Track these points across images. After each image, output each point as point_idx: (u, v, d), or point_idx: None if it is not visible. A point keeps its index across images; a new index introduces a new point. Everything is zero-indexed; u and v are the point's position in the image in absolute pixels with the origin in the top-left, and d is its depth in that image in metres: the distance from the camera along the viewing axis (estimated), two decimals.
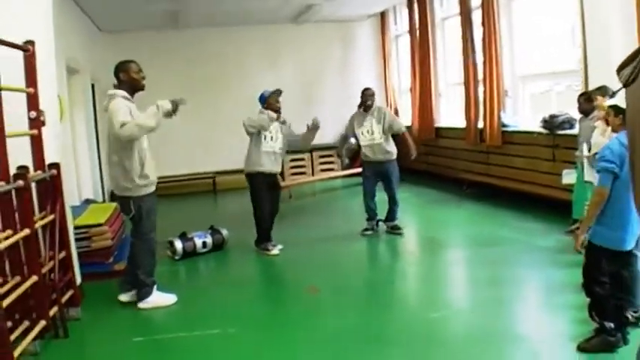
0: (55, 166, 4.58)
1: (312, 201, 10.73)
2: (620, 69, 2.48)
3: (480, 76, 8.88)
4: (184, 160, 12.05)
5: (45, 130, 4.51)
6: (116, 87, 4.85)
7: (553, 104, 8.03)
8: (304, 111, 12.51)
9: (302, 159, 12.32)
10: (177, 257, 6.53)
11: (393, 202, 7.16)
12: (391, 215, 7.19)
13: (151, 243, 5.06)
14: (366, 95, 7.14)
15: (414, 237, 7.40)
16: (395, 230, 7.11)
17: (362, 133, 7.09)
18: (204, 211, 10.14)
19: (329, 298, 5.16)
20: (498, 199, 8.41)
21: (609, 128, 4.16)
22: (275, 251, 6.58)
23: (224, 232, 6.95)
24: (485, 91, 8.69)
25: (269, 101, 6.57)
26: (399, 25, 12.59)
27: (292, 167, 12.17)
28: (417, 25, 10.84)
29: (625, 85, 2.50)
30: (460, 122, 9.66)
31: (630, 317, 3.55)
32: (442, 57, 10.78)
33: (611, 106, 3.51)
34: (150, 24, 11.31)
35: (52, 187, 4.53)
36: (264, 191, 6.54)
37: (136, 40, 11.64)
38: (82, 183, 8.64)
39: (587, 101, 5.98)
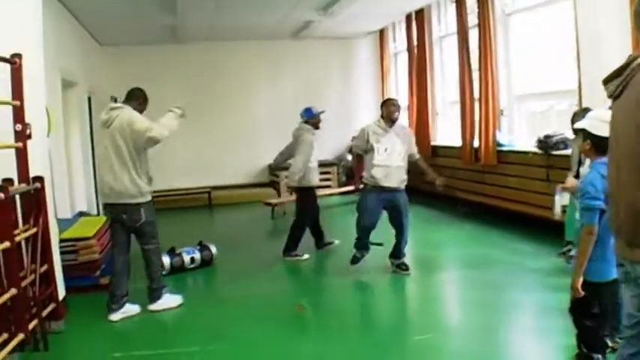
0: (39, 179, 4.55)
1: None
2: (606, 82, 2.46)
3: (476, 94, 8.85)
4: (180, 173, 12.01)
5: (31, 143, 4.50)
6: (125, 103, 5.08)
7: (553, 123, 7.93)
8: None
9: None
10: (164, 272, 6.41)
11: (401, 236, 6.13)
12: (398, 252, 6.20)
13: (158, 248, 5.35)
14: (394, 106, 5.98)
15: (407, 257, 7.28)
16: (402, 269, 6.16)
17: (378, 151, 5.91)
18: (197, 226, 10.07)
19: (315, 319, 5.13)
20: (492, 218, 8.36)
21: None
22: (306, 256, 6.98)
23: (213, 248, 6.89)
24: (481, 110, 8.66)
25: (318, 118, 7.08)
26: (398, 43, 12.60)
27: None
28: (415, 43, 10.85)
29: (611, 98, 2.47)
30: (456, 141, 9.63)
31: (610, 343, 3.49)
32: (440, 75, 10.76)
33: (580, 130, 3.36)
34: (149, 38, 11.35)
35: (35, 201, 4.50)
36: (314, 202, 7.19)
37: (135, 53, 11.69)
38: (76, 195, 8.62)
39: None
